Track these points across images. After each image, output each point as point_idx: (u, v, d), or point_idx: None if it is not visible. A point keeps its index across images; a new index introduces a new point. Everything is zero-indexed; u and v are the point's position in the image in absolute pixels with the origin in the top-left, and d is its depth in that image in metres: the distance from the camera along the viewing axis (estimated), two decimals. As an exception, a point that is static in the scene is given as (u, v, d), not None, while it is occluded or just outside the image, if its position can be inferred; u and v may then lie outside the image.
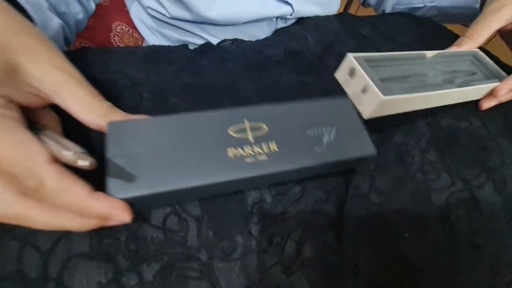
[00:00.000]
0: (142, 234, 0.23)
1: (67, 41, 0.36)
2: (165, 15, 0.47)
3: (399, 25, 0.46)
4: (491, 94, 0.35)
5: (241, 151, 0.23)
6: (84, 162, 0.19)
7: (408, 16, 0.50)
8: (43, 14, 0.30)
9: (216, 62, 0.36)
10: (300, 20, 0.50)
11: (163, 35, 0.52)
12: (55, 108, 0.23)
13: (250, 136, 0.24)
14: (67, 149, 0.19)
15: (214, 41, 0.42)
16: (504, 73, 0.35)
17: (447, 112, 0.33)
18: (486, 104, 0.35)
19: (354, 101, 0.27)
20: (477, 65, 0.36)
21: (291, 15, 0.48)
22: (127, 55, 0.33)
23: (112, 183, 0.20)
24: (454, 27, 0.49)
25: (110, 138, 0.21)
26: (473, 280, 0.28)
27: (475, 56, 0.37)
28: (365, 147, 0.26)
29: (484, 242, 0.29)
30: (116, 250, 0.22)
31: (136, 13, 0.54)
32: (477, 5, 0.47)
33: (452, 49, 0.37)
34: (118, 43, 0.60)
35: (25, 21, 0.22)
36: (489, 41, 0.38)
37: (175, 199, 0.24)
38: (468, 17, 0.51)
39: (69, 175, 0.18)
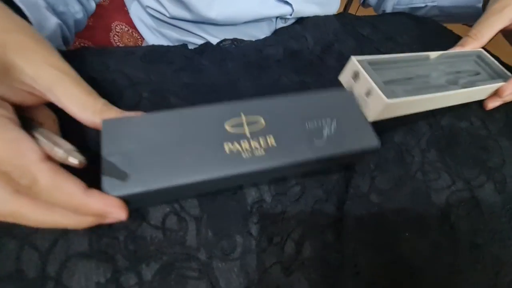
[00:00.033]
0: (141, 234, 0.23)
1: (66, 41, 0.36)
2: (164, 15, 0.47)
3: (399, 25, 0.46)
4: (496, 94, 0.35)
5: (237, 146, 0.22)
6: (74, 160, 0.18)
7: (408, 16, 0.50)
8: (40, 13, 0.30)
9: (215, 62, 0.36)
10: (300, 20, 0.50)
11: (163, 35, 0.52)
12: (53, 107, 0.23)
13: (247, 130, 0.23)
14: (59, 146, 0.19)
15: (214, 41, 0.41)
16: (508, 73, 0.35)
17: (447, 112, 0.33)
18: (491, 104, 0.35)
19: (358, 104, 0.27)
20: (481, 65, 0.36)
21: (290, 15, 0.48)
22: (126, 55, 0.33)
23: (107, 180, 0.20)
24: (454, 27, 0.49)
25: (104, 135, 0.21)
26: (474, 280, 0.28)
27: (479, 56, 0.37)
28: (367, 139, 0.25)
29: (485, 242, 0.29)
30: (115, 250, 0.22)
31: (135, 13, 0.54)
32: (480, 5, 0.47)
33: (456, 50, 0.37)
34: (118, 43, 0.60)
35: (19, 19, 0.22)
36: (489, 41, 0.38)
37: (172, 196, 0.23)
38: (470, 16, 0.50)
39: (62, 173, 0.18)
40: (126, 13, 0.61)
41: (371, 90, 0.26)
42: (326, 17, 0.47)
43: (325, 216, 0.27)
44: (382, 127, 0.27)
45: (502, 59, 0.39)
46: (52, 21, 0.32)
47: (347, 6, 1.24)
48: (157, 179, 0.20)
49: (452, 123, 0.34)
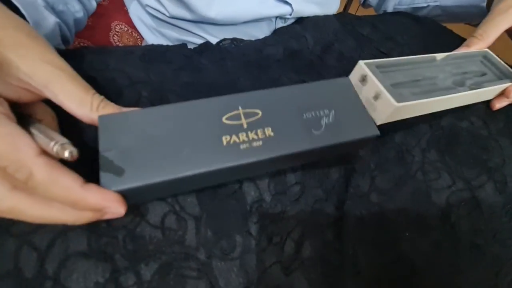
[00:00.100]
0: (140, 233, 0.22)
1: (65, 40, 0.36)
2: (164, 14, 0.47)
3: (399, 25, 0.46)
4: (503, 94, 0.35)
5: (235, 138, 0.22)
6: (65, 152, 0.18)
7: (407, 16, 0.50)
8: (38, 12, 0.30)
9: (215, 61, 0.36)
10: (300, 20, 0.50)
11: (163, 35, 0.52)
12: (51, 104, 0.23)
13: (244, 122, 0.23)
14: (54, 141, 0.19)
15: (214, 40, 0.41)
16: None
17: (448, 111, 0.33)
18: (498, 105, 0.35)
19: (366, 107, 0.27)
20: (487, 66, 0.36)
21: (290, 15, 0.48)
22: (125, 54, 0.33)
23: (104, 176, 0.19)
24: (454, 27, 0.49)
25: (101, 131, 0.21)
26: (474, 280, 0.27)
27: (485, 56, 0.37)
28: (366, 127, 0.25)
29: (485, 242, 0.29)
30: (114, 249, 0.21)
31: (135, 12, 0.54)
32: (484, 4, 0.47)
33: (462, 50, 0.37)
34: (118, 43, 0.60)
35: (15, 16, 0.22)
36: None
37: (170, 190, 0.23)
38: (473, 16, 0.50)
39: (59, 167, 0.18)
40: (126, 12, 0.61)
41: (380, 93, 0.26)
42: (326, 17, 0.47)
43: (325, 216, 0.27)
44: (382, 127, 0.27)
45: (505, 59, 0.39)
46: (51, 20, 0.31)
47: (347, 6, 1.24)
48: (155, 173, 0.20)
49: (452, 123, 0.34)
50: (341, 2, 0.58)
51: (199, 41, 0.49)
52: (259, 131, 0.23)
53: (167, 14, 0.46)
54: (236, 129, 0.23)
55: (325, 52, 0.41)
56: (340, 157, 0.30)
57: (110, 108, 0.22)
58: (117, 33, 0.60)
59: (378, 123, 0.27)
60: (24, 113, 0.21)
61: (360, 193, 0.29)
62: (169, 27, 0.51)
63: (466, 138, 0.33)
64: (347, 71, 0.29)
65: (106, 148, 0.20)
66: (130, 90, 0.29)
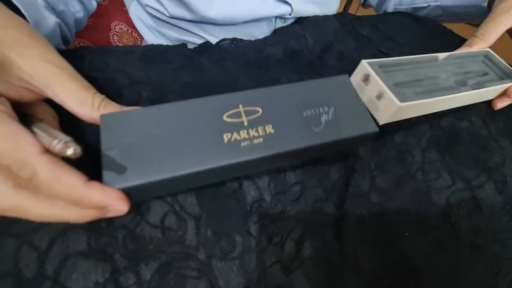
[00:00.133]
0: (140, 233, 0.22)
1: (65, 40, 0.36)
2: (164, 14, 0.47)
3: (399, 25, 0.46)
4: (504, 94, 0.35)
5: (236, 136, 0.22)
6: (69, 150, 0.18)
7: (407, 16, 0.50)
8: (38, 12, 0.30)
9: (215, 61, 0.36)
10: (299, 20, 0.50)
11: (162, 34, 0.52)
12: (51, 103, 0.23)
13: (245, 120, 0.23)
14: (57, 139, 0.19)
15: (213, 40, 0.41)
16: None
17: (448, 111, 0.33)
18: (500, 104, 0.35)
19: (369, 107, 0.27)
20: (489, 65, 0.36)
21: (290, 14, 0.48)
22: (125, 54, 0.33)
23: (107, 174, 0.20)
24: (454, 27, 0.49)
25: (103, 130, 0.21)
26: (474, 279, 0.27)
27: (486, 56, 0.37)
28: (365, 124, 0.26)
29: (485, 241, 0.29)
30: (114, 249, 0.21)
31: (135, 12, 0.54)
32: (485, 4, 0.47)
33: (463, 50, 0.37)
34: (117, 43, 0.60)
35: (15, 16, 0.22)
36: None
37: (172, 188, 0.23)
38: (474, 15, 0.50)
39: (62, 165, 0.18)
40: (126, 13, 0.60)
41: (383, 93, 0.26)
42: (326, 17, 0.47)
43: (325, 216, 0.27)
44: (382, 126, 0.27)
45: (507, 59, 0.39)
46: (51, 20, 0.31)
47: (346, 6, 1.24)
48: (158, 170, 0.20)
49: (452, 123, 0.34)
50: (341, 2, 0.58)
51: (199, 41, 0.49)
52: (259, 129, 0.23)
53: (167, 14, 0.46)
54: (237, 127, 0.23)
55: (325, 52, 0.41)
56: (340, 156, 0.30)
57: (111, 107, 0.22)
58: (117, 33, 0.60)
59: (381, 122, 0.27)
60: (25, 113, 0.21)
61: (360, 193, 0.29)
62: (169, 27, 0.51)
63: (466, 138, 0.33)
64: (347, 71, 0.29)
65: (108, 147, 0.20)
66: (130, 90, 0.29)
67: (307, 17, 0.48)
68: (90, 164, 0.20)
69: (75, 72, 0.22)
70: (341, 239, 0.26)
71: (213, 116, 0.23)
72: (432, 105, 0.29)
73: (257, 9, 0.45)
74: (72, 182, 0.18)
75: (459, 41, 0.43)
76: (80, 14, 0.37)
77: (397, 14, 0.51)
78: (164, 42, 0.52)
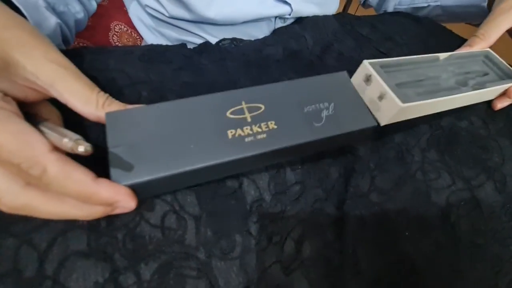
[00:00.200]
0: (140, 233, 0.22)
1: (66, 41, 0.36)
2: (164, 14, 0.47)
3: (398, 25, 0.46)
4: (504, 94, 0.35)
5: (240, 132, 0.23)
6: (80, 147, 0.19)
7: (407, 16, 0.50)
8: (39, 13, 0.30)
9: (215, 61, 0.36)
10: (299, 20, 0.50)
11: (162, 34, 0.52)
12: (55, 103, 0.23)
13: (248, 116, 0.24)
14: (67, 137, 0.19)
15: (213, 40, 0.41)
16: None
17: (448, 111, 0.33)
18: (500, 105, 0.35)
19: (370, 107, 0.27)
20: (489, 65, 0.36)
21: (289, 14, 0.48)
22: (125, 54, 0.33)
23: (114, 171, 0.20)
24: (454, 27, 0.49)
25: (109, 128, 0.21)
26: (474, 279, 0.27)
27: (487, 56, 0.37)
28: (364, 119, 0.26)
29: (485, 241, 0.29)
30: (114, 249, 0.21)
31: (135, 12, 0.54)
32: (484, 4, 0.47)
33: (464, 50, 0.37)
34: (117, 43, 0.60)
35: (17, 16, 0.22)
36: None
37: (178, 184, 0.24)
38: (474, 15, 0.50)
39: (71, 163, 0.18)
40: (125, 13, 0.60)
41: (385, 94, 0.26)
42: (325, 17, 0.47)
43: (325, 216, 0.27)
44: (382, 126, 0.27)
45: (507, 59, 0.39)
46: (52, 20, 0.31)
47: (346, 6, 1.24)
48: (164, 167, 0.21)
49: (452, 123, 0.34)
50: (340, 2, 0.58)
51: (199, 41, 0.49)
52: (262, 125, 0.24)
53: (167, 14, 0.46)
54: (240, 123, 0.23)
55: (324, 52, 0.41)
56: (340, 156, 0.30)
57: (115, 106, 0.22)
58: (116, 33, 0.60)
59: (383, 123, 0.27)
60: (30, 113, 0.21)
61: (360, 193, 0.29)
62: (169, 27, 0.51)
63: (466, 138, 0.33)
64: (346, 71, 0.29)
65: (115, 144, 0.21)
66: (130, 90, 0.29)
67: (307, 17, 0.48)
68: (92, 162, 0.20)
69: (78, 71, 0.22)
70: (341, 239, 0.26)
71: (216, 113, 0.23)
72: (433, 106, 0.29)
73: (256, 9, 0.45)
74: (82, 179, 0.18)
75: (459, 41, 0.43)
76: (81, 14, 0.37)
77: (396, 14, 0.51)
78: (164, 42, 0.52)
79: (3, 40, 0.19)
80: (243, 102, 0.24)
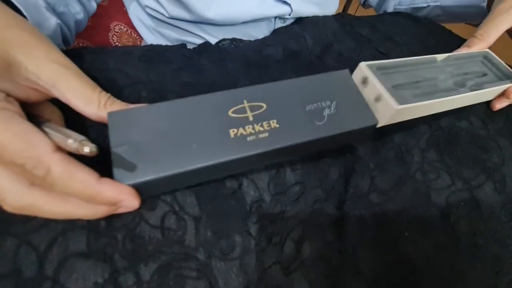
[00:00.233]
0: (140, 233, 0.22)
1: (66, 41, 0.36)
2: (163, 15, 0.47)
3: (398, 25, 0.46)
4: (503, 95, 0.35)
5: (242, 131, 0.23)
6: (85, 148, 0.19)
7: (406, 16, 0.50)
8: (39, 13, 0.30)
9: (215, 62, 0.36)
10: (299, 20, 0.50)
11: (162, 35, 0.52)
12: (57, 103, 0.23)
13: (250, 115, 0.24)
14: (71, 137, 0.19)
15: (213, 40, 0.41)
16: None
17: (447, 112, 0.33)
18: (499, 105, 0.35)
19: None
20: (488, 66, 0.36)
21: (289, 15, 0.48)
22: (125, 54, 0.33)
23: (117, 171, 0.20)
24: (454, 27, 0.49)
25: (111, 127, 0.21)
26: (474, 279, 0.27)
27: (485, 56, 0.37)
28: (366, 117, 0.26)
29: (485, 241, 0.29)
30: (113, 249, 0.21)
31: (134, 13, 0.54)
32: (484, 4, 0.47)
33: (462, 51, 0.37)
34: (117, 43, 0.60)
35: (18, 16, 0.22)
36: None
37: (181, 183, 0.24)
38: (474, 15, 0.50)
39: (75, 162, 0.18)
40: (125, 13, 0.60)
41: (381, 96, 0.26)
42: (325, 17, 0.47)
43: (325, 216, 0.27)
44: (382, 126, 0.27)
45: (506, 59, 0.39)
46: (52, 21, 0.31)
47: (346, 7, 1.24)
48: (167, 166, 0.21)
49: (451, 123, 0.34)
50: (340, 3, 0.58)
51: (199, 41, 0.49)
52: (264, 123, 0.24)
53: (166, 15, 0.46)
54: (242, 122, 0.23)
55: (324, 53, 0.41)
56: (340, 156, 0.30)
57: (117, 105, 0.22)
58: (116, 34, 0.60)
59: (380, 125, 0.27)
60: (32, 113, 0.21)
61: (360, 193, 0.29)
62: (169, 27, 0.51)
63: (465, 138, 0.33)
64: (348, 69, 0.29)
65: (117, 144, 0.21)
66: (130, 90, 0.29)
67: (307, 18, 0.48)
68: (95, 162, 0.20)
69: (80, 71, 0.22)
70: (341, 240, 0.26)
71: (218, 112, 0.23)
72: (430, 107, 0.29)
73: (256, 10, 0.46)
74: (86, 179, 0.18)
75: (459, 42, 0.43)
76: (81, 15, 0.37)
77: (396, 14, 0.51)
78: (163, 42, 0.52)
79: (5, 40, 0.20)
80: (245, 101, 0.24)
